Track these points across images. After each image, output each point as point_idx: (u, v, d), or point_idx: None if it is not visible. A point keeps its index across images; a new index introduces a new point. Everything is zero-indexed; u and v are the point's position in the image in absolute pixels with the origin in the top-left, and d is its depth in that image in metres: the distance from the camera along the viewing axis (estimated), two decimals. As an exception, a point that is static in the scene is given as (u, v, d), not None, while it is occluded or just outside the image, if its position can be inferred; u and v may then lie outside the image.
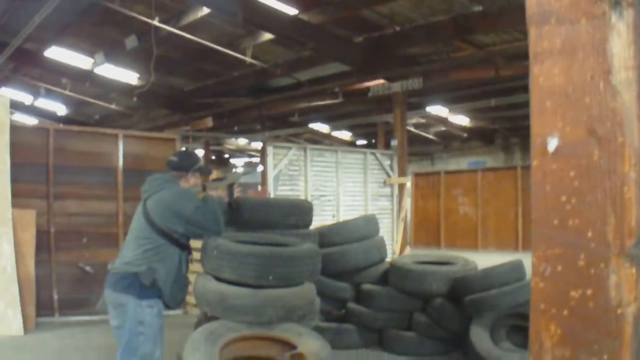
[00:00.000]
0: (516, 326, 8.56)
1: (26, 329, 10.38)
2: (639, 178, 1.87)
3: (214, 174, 11.17)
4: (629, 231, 1.85)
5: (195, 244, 6.49)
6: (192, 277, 6.53)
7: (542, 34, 2.02)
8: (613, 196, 1.87)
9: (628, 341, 1.85)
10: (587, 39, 1.93)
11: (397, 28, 16.94)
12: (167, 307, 5.87)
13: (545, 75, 2.01)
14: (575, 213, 1.93)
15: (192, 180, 6.13)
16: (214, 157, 43.71)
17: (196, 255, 6.72)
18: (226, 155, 48.99)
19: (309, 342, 6.18)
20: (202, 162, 6.48)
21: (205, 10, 16.20)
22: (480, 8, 15.26)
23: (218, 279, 6.42)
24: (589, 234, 1.91)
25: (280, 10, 15.80)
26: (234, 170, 46.53)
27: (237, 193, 6.78)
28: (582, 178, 1.92)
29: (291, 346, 6.20)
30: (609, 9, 1.90)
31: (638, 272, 1.87)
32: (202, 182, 6.40)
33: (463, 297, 8.84)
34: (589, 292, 1.91)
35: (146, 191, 5.97)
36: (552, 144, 1.98)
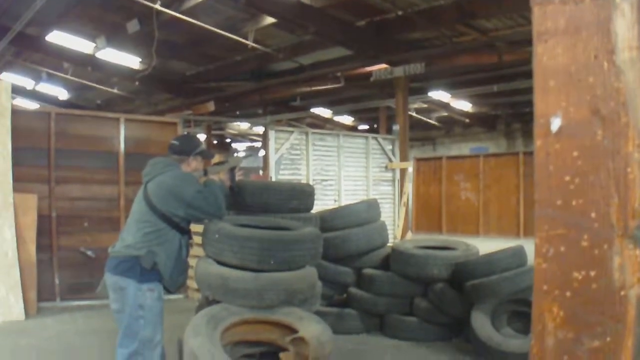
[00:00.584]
0: (517, 312, 8.57)
1: (28, 314, 10.38)
2: (643, 158, 1.85)
3: (216, 158, 11.15)
4: (633, 212, 1.84)
5: (196, 228, 6.48)
6: (193, 262, 6.53)
7: (546, 13, 2.00)
8: (617, 177, 1.85)
9: (631, 323, 1.84)
10: (591, 19, 1.91)
11: (400, 12, 16.89)
12: (167, 291, 5.84)
13: (549, 55, 1.99)
14: (579, 193, 1.92)
15: (193, 164, 6.11)
16: (215, 142, 43.72)
17: (197, 239, 6.71)
18: (228, 140, 49.00)
19: (310, 326, 6.18)
20: (203, 146, 6.46)
21: (207, -6, 16.16)
22: (482, -8, 15.23)
23: (219, 262, 6.43)
24: (593, 215, 1.89)
25: (282, -6, 15.77)
26: (235, 154, 46.52)
27: (238, 177, 6.77)
28: (586, 158, 1.91)
29: (292, 330, 6.21)
30: (613, -12, 1.89)
31: (641, 254, 1.85)
32: (203, 166, 6.38)
33: (464, 282, 8.87)
34: (592, 273, 1.90)
35: (147, 174, 5.96)
36: (556, 123, 1.96)
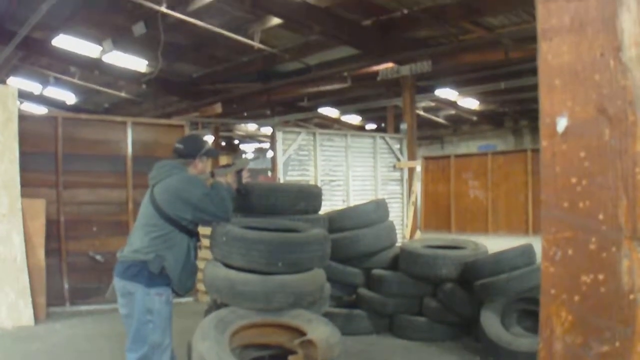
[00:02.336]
0: (527, 310, 8.54)
1: (37, 319, 10.38)
2: (651, 158, 1.81)
3: (224, 160, 11.15)
4: (642, 214, 1.80)
5: (204, 230, 6.46)
6: (201, 264, 6.51)
7: (550, 10, 1.97)
8: (625, 177, 1.82)
9: (641, 328, 1.80)
10: (596, 15, 1.87)
11: (405, 11, 16.86)
12: (176, 294, 5.83)
13: (554, 53, 1.95)
14: (586, 195, 1.88)
15: (200, 166, 6.10)
16: (223, 143, 43.76)
17: (205, 242, 6.70)
18: (236, 141, 49.06)
19: (319, 329, 6.16)
20: (208, 145, 6.44)
21: (213, -5, 16.16)
22: (488, -11, 15.19)
23: (227, 265, 6.41)
24: (600, 217, 1.85)
25: (288, -6, 15.76)
26: (243, 156, 46.55)
27: (245, 179, 6.74)
28: (593, 159, 1.87)
29: (301, 333, 6.19)
30: (619, -17, 1.85)
31: (652, 257, 1.82)
32: (211, 167, 6.37)
33: (473, 281, 8.85)
34: (600, 277, 1.86)
35: (153, 178, 5.95)
36: (562, 123, 1.93)
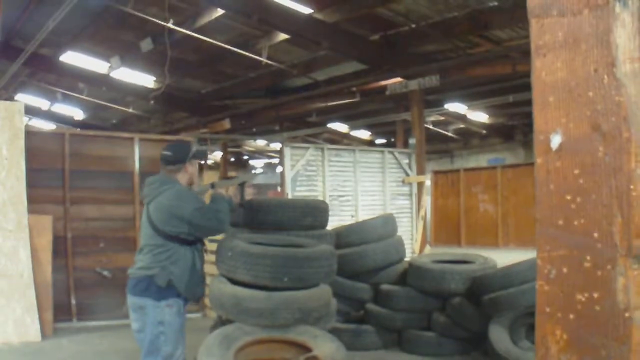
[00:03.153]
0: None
1: (44, 334, 10.36)
2: (646, 175, 1.80)
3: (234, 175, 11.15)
4: (637, 231, 1.79)
5: (210, 246, 6.46)
6: (207, 280, 6.50)
7: (544, 27, 1.96)
8: (619, 194, 1.80)
9: (636, 346, 1.79)
10: (590, 31, 1.86)
11: (413, 25, 16.88)
12: (188, 302, 5.86)
13: (548, 69, 1.95)
14: (581, 212, 1.87)
15: (190, 169, 6.10)
16: (232, 159, 43.80)
17: (211, 257, 6.69)
18: (245, 157, 49.10)
19: (325, 345, 6.15)
20: (195, 147, 6.46)
21: (220, 11, 16.18)
22: (495, 3, 15.15)
23: (233, 281, 6.41)
24: (595, 235, 1.84)
25: (294, 10, 15.77)
26: (252, 171, 46.67)
27: (249, 195, 6.72)
28: (587, 176, 1.86)
29: (306, 349, 6.16)
30: (613, -1, 1.83)
31: (646, 274, 1.80)
32: (212, 179, 6.37)
33: (482, 296, 8.81)
34: (595, 295, 1.85)
35: (146, 196, 5.99)
36: (556, 140, 1.92)
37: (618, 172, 1.80)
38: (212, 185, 6.30)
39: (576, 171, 1.87)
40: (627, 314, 1.79)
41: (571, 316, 1.89)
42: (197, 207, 5.75)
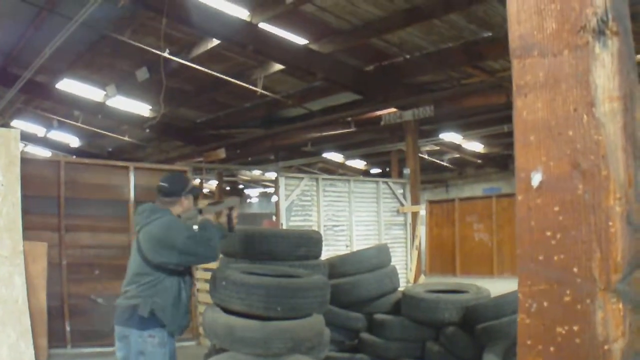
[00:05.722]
0: (528, 355, 8.47)
1: (38, 361, 10.38)
2: (624, 212, 1.84)
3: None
4: (615, 266, 1.83)
5: (204, 275, 6.48)
6: (201, 309, 6.52)
7: (525, 67, 2.01)
8: (598, 231, 1.85)
9: (616, 379, 1.82)
10: (570, 71, 1.91)
11: (407, 56, 17.02)
12: (173, 335, 5.87)
13: (529, 109, 1.99)
14: (561, 248, 1.91)
15: (185, 203, 6.10)
16: (228, 188, 43.79)
17: (205, 286, 6.71)
18: (241, 186, 49.11)
19: (317, 375, 6.16)
20: (192, 183, 6.47)
21: (215, 42, 16.30)
22: (489, 34, 15.30)
23: (226, 310, 6.41)
24: (575, 270, 1.88)
25: (290, 41, 15.90)
26: (247, 200, 46.67)
27: (235, 220, 6.73)
28: (567, 213, 1.90)
29: (299, 378, 6.17)
30: (593, 39, 1.89)
31: (625, 308, 1.84)
32: (198, 205, 6.39)
33: (475, 325, 8.82)
34: (575, 328, 1.88)
35: (137, 223, 5.97)
36: (536, 178, 1.96)
37: (597, 209, 1.84)
38: (200, 211, 6.30)
39: (556, 208, 1.92)
40: (606, 347, 1.83)
41: (552, 349, 1.92)
42: (188, 235, 5.72)
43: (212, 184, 40.01)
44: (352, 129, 22.03)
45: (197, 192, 6.56)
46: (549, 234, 1.94)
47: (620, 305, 1.83)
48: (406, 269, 18.02)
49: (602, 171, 1.84)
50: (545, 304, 1.94)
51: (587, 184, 1.86)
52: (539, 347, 1.96)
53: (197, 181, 30.12)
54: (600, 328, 1.84)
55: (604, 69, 1.88)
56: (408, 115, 18.77)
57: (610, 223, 1.83)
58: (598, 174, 1.85)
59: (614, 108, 1.87)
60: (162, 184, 6.16)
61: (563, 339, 1.91)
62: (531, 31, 2.00)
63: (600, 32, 1.88)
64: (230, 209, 6.56)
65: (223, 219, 6.37)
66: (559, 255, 1.91)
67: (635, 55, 2.09)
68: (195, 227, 5.92)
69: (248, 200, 47.63)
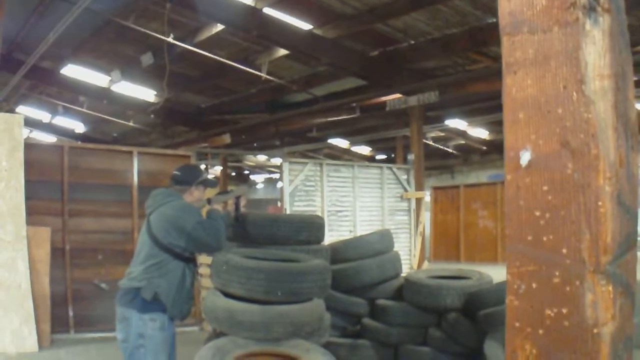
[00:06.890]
0: (530, 340, 8.44)
1: (41, 346, 10.37)
2: (614, 192, 1.82)
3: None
4: (605, 247, 1.80)
5: (206, 259, 6.47)
6: (203, 293, 6.51)
7: (515, 44, 1.98)
8: (587, 211, 1.82)
9: (605, 362, 1.79)
10: (559, 48, 1.88)
11: (412, 41, 16.93)
12: (174, 320, 5.87)
13: (518, 86, 1.97)
14: (550, 229, 1.88)
15: (196, 194, 6.14)
16: (233, 174, 43.76)
17: (206, 270, 6.70)
18: (246, 172, 49.06)
19: (316, 358, 6.14)
20: (205, 175, 6.49)
21: (220, 27, 16.24)
22: (494, 20, 15.17)
23: (227, 294, 6.41)
24: (564, 251, 1.86)
25: (294, 26, 15.84)
26: (253, 186, 46.66)
27: (243, 207, 6.76)
28: (556, 192, 1.87)
29: (298, 362, 6.16)
30: (583, 16, 1.85)
31: (615, 290, 1.81)
32: (207, 195, 6.40)
33: (477, 311, 8.78)
34: (564, 310, 1.86)
35: (150, 206, 6.02)
36: (525, 157, 1.93)
37: (586, 189, 1.82)
38: (209, 201, 6.32)
39: (545, 187, 1.89)
40: (595, 330, 1.80)
41: (540, 331, 1.90)
42: (199, 220, 5.81)
43: (217, 170, 39.97)
44: (357, 115, 21.96)
45: (210, 185, 6.56)
46: (537, 213, 1.91)
47: (610, 288, 1.81)
48: (410, 255, 17.99)
49: (592, 150, 1.81)
50: (534, 285, 1.92)
51: (577, 162, 1.84)
52: (528, 330, 1.93)
53: (202, 167, 30.11)
54: (589, 311, 1.82)
55: (595, 46, 1.85)
56: (413, 100, 18.68)
57: (600, 203, 1.80)
58: (587, 153, 1.82)
59: (605, 86, 1.84)
60: (176, 172, 6.29)
61: (552, 321, 1.88)
62: (521, 7, 1.97)
63: (591, 9, 1.85)
64: (238, 197, 6.60)
65: (230, 207, 6.40)
66: (548, 236, 1.89)
67: (628, 33, 2.05)
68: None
69: (253, 186, 47.56)
